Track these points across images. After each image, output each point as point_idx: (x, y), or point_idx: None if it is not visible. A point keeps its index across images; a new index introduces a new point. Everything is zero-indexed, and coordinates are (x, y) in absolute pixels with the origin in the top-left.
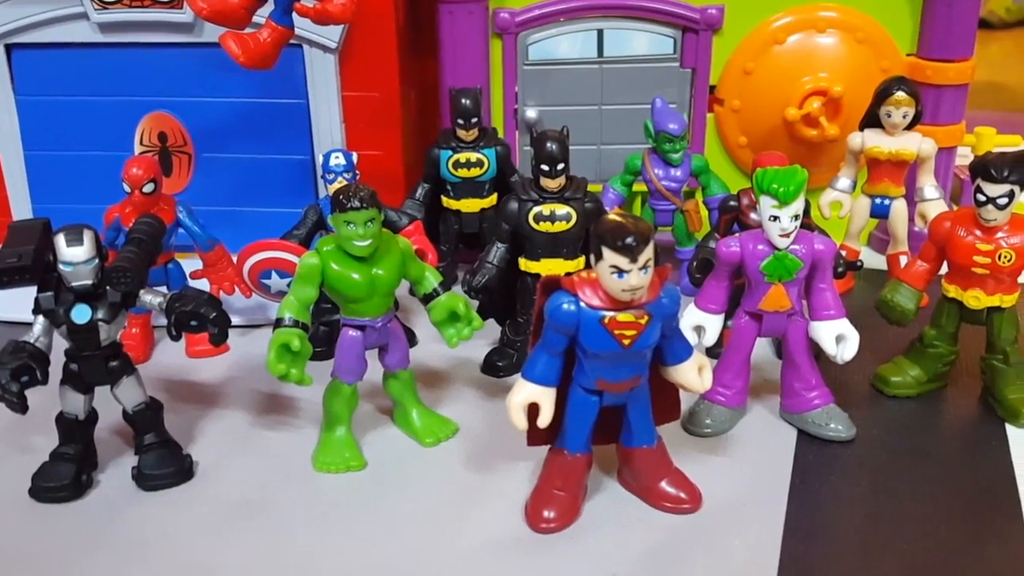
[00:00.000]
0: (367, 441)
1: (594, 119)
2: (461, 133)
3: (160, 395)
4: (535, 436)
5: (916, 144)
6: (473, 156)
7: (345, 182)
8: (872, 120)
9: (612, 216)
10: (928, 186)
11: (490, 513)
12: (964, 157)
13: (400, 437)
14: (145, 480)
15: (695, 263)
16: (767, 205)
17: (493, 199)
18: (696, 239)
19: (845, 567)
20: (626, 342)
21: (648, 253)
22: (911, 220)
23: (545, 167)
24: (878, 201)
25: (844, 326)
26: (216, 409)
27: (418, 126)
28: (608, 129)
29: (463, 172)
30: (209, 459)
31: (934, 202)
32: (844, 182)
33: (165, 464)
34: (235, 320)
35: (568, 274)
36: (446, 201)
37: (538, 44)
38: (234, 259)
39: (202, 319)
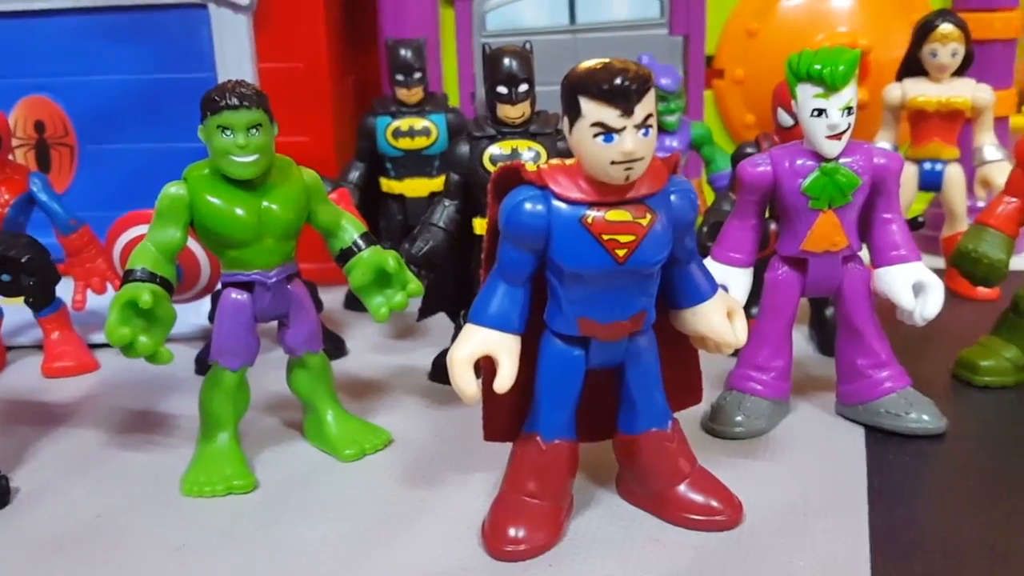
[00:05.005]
0: (264, 459)
1: None
2: (401, 93)
3: None
4: (495, 424)
5: (970, 91)
6: (417, 122)
7: None
8: (912, 66)
9: (593, 60)
10: (988, 145)
11: (432, 536)
12: None
13: (313, 453)
14: None
15: (706, 229)
16: (808, 96)
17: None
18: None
19: None
20: (620, 252)
21: (648, 105)
22: (970, 191)
23: (503, 89)
24: (927, 167)
25: (921, 271)
26: (60, 429)
27: (355, 120)
28: None
29: (405, 143)
30: (34, 484)
31: (997, 164)
32: (883, 147)
33: None
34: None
35: None
36: (386, 184)
37: (497, 11)
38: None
39: (13, 266)
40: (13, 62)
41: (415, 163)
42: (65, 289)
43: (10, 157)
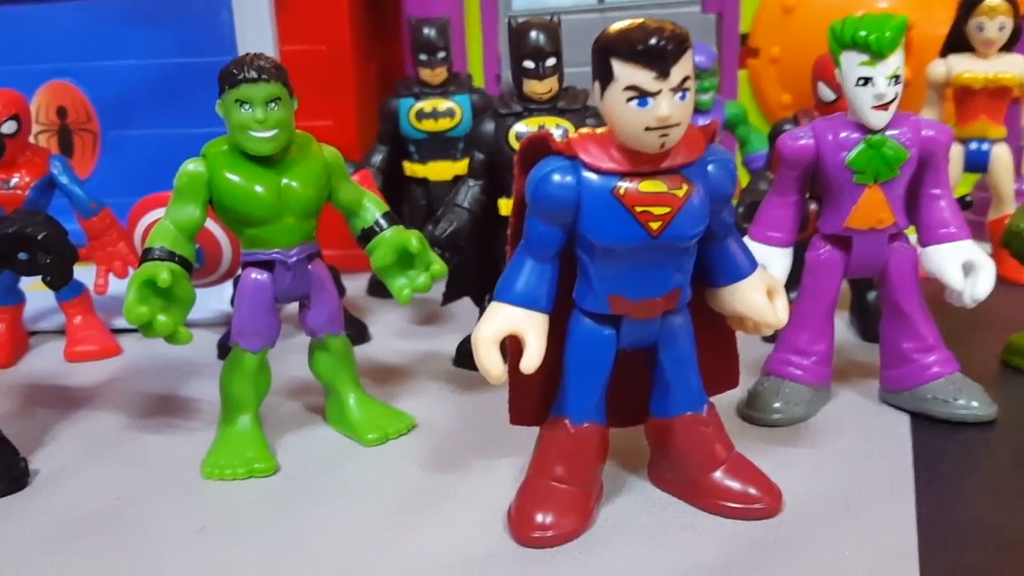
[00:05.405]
0: (285, 443)
1: None
2: (425, 74)
3: (10, 401)
4: (522, 407)
5: (1019, 67)
6: (441, 103)
7: None
8: (958, 42)
9: (625, 21)
10: None
11: (457, 523)
12: None
13: (335, 438)
14: None
15: (742, 210)
16: (853, 64)
17: None
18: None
19: None
20: (654, 226)
21: (686, 67)
22: (1017, 171)
23: (529, 63)
24: (973, 146)
25: (971, 250)
26: (81, 412)
27: (379, 104)
28: None
29: (429, 124)
30: (53, 466)
31: None
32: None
33: None
34: None
35: None
36: (409, 167)
37: None
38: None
39: (30, 243)
40: (35, 47)
41: (439, 146)
42: (87, 274)
43: (32, 141)
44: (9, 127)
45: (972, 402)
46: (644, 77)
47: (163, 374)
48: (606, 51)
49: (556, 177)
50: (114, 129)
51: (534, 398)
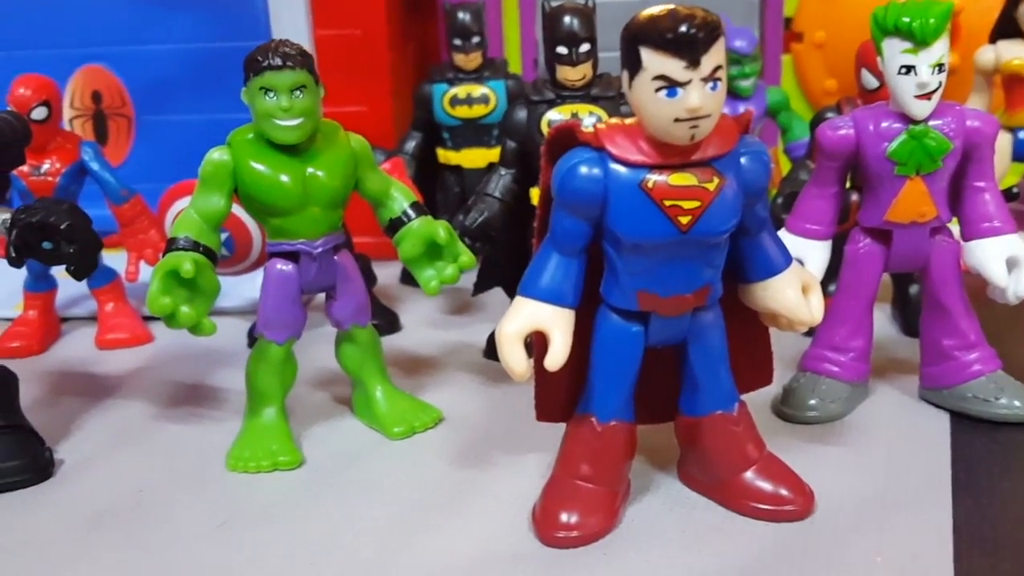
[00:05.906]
0: (311, 435)
1: None
2: (459, 59)
3: (40, 388)
4: (548, 404)
5: None
6: (475, 89)
7: None
8: (1007, 27)
9: (656, 7)
10: None
11: (482, 521)
12: None
13: (361, 430)
14: None
15: (781, 200)
16: (896, 52)
17: None
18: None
19: None
20: (684, 220)
21: (717, 55)
22: None
23: (563, 49)
24: (1022, 135)
25: (1016, 244)
26: (108, 401)
27: (415, 89)
28: None
29: (463, 111)
30: (78, 456)
31: None
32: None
33: (11, 456)
34: None
35: None
36: (443, 154)
37: None
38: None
39: (53, 232)
40: (71, 31)
41: (473, 132)
42: (119, 260)
43: (68, 128)
44: (39, 113)
45: (1014, 402)
46: (673, 66)
47: (193, 362)
48: (634, 39)
49: (582, 169)
50: (148, 114)
51: (560, 395)
